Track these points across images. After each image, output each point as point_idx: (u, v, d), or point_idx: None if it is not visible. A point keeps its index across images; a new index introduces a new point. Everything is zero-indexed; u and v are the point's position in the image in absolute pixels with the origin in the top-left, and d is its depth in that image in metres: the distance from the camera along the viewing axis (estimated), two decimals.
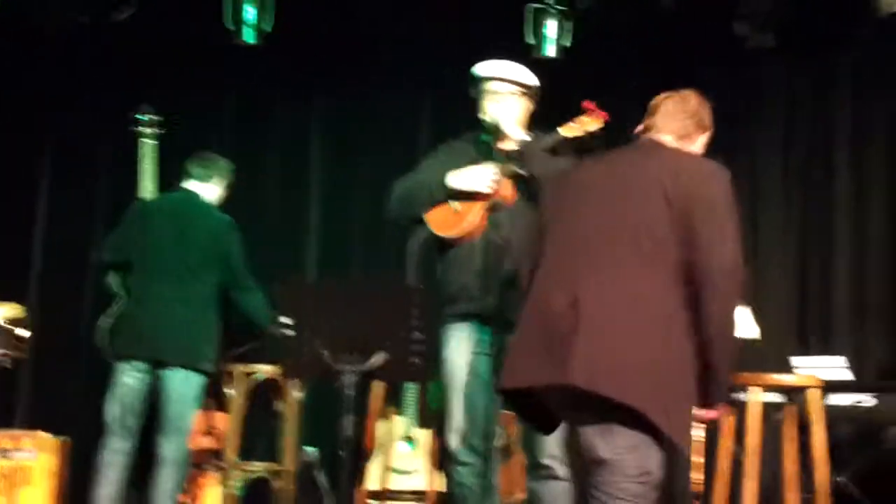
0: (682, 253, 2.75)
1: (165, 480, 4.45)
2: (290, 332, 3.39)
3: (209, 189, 4.69)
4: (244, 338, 4.90)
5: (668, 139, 2.99)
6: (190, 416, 4.55)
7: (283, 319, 4.19)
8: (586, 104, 3.61)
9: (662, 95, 3.05)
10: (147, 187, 5.02)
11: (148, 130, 5.02)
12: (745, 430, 4.16)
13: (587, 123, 3.61)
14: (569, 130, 3.62)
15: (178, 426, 4.49)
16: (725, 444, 4.27)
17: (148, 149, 4.99)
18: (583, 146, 3.70)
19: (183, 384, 4.47)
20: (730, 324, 2.79)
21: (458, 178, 3.65)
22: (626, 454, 2.74)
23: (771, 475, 4.74)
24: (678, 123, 2.99)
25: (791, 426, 4.28)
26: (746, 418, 4.16)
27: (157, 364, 4.50)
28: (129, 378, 4.51)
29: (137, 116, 5.07)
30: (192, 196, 4.65)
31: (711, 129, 3.06)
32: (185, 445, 4.52)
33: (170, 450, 4.46)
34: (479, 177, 3.62)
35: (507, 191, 3.61)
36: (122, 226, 4.70)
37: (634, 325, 2.73)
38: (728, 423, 4.25)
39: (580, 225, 2.90)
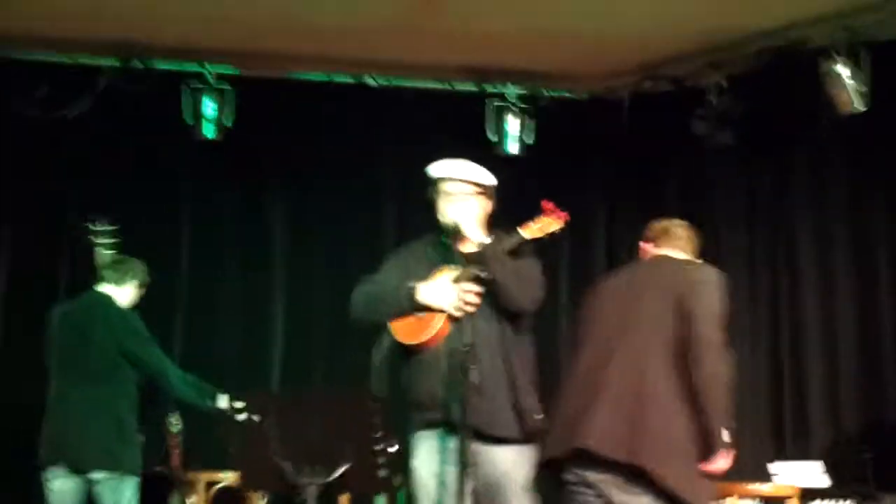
0: (681, 331, 3.33)
1: None
2: (242, 417, 3.44)
3: (123, 292, 4.76)
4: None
5: (681, 255, 3.64)
6: None
7: (236, 404, 4.17)
8: (545, 204, 3.60)
9: (668, 222, 3.69)
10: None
11: (103, 241, 5.00)
12: None
13: (547, 224, 3.59)
14: (529, 232, 3.61)
15: None
16: None
17: (103, 258, 4.95)
18: (543, 247, 3.70)
19: (112, 493, 4.44)
20: (720, 383, 3.31)
21: (428, 294, 3.60)
22: None
23: None
24: (691, 245, 3.69)
25: None
26: None
27: (80, 471, 4.48)
28: (59, 483, 4.51)
29: (90, 227, 5.04)
30: (98, 299, 4.71)
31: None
32: None
33: None
34: (446, 295, 3.57)
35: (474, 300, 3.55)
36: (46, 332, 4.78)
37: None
38: None
39: (606, 321, 3.53)
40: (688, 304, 3.33)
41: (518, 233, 3.63)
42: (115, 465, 4.45)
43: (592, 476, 3.32)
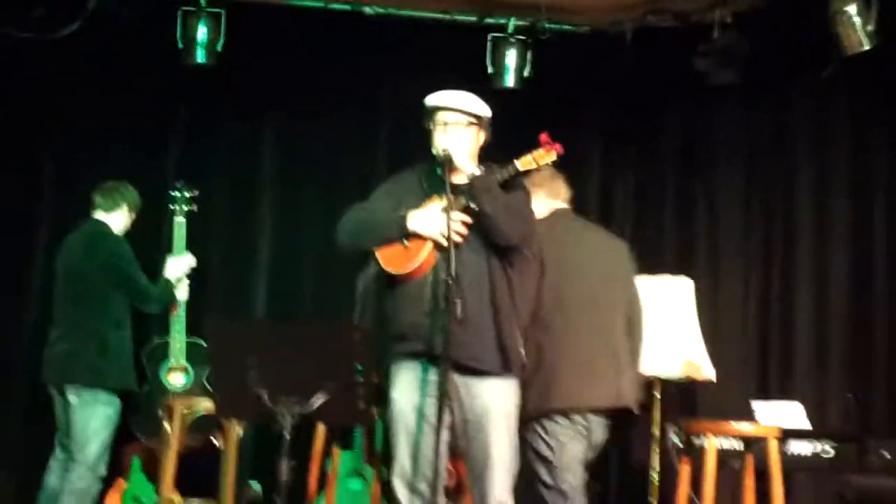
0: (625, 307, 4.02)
1: None
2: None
3: (115, 218, 4.91)
4: None
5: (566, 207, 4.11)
6: (93, 445, 4.62)
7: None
8: (541, 136, 3.57)
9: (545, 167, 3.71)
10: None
11: (181, 207, 5.26)
12: (703, 478, 4.04)
13: (541, 157, 3.58)
14: (523, 163, 3.59)
15: (79, 456, 4.61)
16: (683, 490, 4.16)
17: (179, 225, 5.23)
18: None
19: (83, 409, 4.62)
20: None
21: (418, 221, 3.56)
22: None
23: None
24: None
25: (749, 475, 4.18)
26: (704, 466, 4.04)
27: (60, 388, 4.72)
28: (56, 402, 4.77)
29: (172, 192, 5.27)
30: (90, 227, 4.88)
31: None
32: (87, 476, 4.62)
33: (69, 479, 4.62)
34: (435, 223, 3.53)
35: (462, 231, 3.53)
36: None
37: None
38: (686, 470, 4.15)
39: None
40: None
41: (515, 164, 3.61)
42: (97, 381, 4.62)
43: (594, 419, 3.84)
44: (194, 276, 5.26)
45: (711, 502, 4.08)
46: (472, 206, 3.55)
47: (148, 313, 4.97)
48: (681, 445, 4.43)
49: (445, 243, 3.46)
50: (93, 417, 4.62)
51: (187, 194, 5.27)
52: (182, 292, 5.12)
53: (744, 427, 4.04)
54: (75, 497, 4.62)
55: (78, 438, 4.62)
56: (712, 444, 4.06)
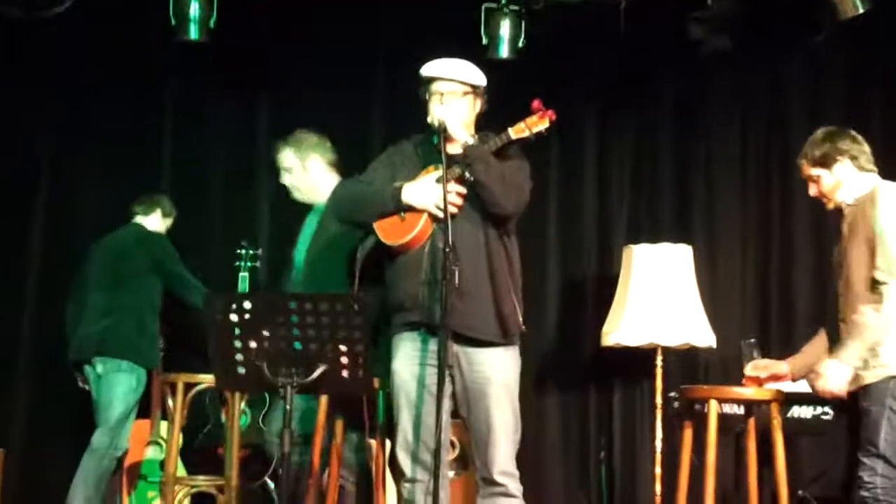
0: None
1: (81, 466, 4.94)
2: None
3: (151, 220, 5.39)
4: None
5: None
6: (116, 409, 5.00)
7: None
8: (533, 103, 3.56)
9: None
10: None
11: (245, 263, 5.59)
12: (705, 443, 4.06)
13: (535, 124, 3.56)
14: (516, 131, 3.57)
15: (101, 419, 5.02)
16: (686, 455, 4.18)
17: (243, 279, 5.56)
18: (530, 146, 3.67)
19: (109, 376, 5.01)
20: None
21: (412, 193, 3.56)
22: None
23: (734, 485, 4.65)
24: None
25: (751, 439, 4.20)
26: (706, 431, 4.06)
27: (91, 361, 5.09)
28: (90, 379, 5.13)
29: (239, 250, 5.57)
30: (132, 226, 5.35)
31: None
32: (105, 438, 4.98)
33: (91, 442, 5.00)
34: (430, 194, 3.53)
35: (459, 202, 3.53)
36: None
37: None
38: (688, 436, 4.17)
39: None
40: None
41: (508, 133, 3.59)
42: (131, 355, 5.03)
43: None
44: (192, 249, 5.48)
45: (713, 467, 4.09)
46: (468, 175, 3.54)
47: (192, 308, 5.14)
48: (682, 412, 4.44)
49: (441, 214, 3.46)
50: (118, 383, 5.00)
51: (252, 251, 5.60)
52: None
53: (746, 392, 4.03)
54: (94, 458, 4.94)
55: (102, 402, 5.01)
56: (713, 409, 4.05)
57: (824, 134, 3.89)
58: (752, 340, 4.19)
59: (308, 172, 4.46)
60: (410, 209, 3.57)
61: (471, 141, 3.58)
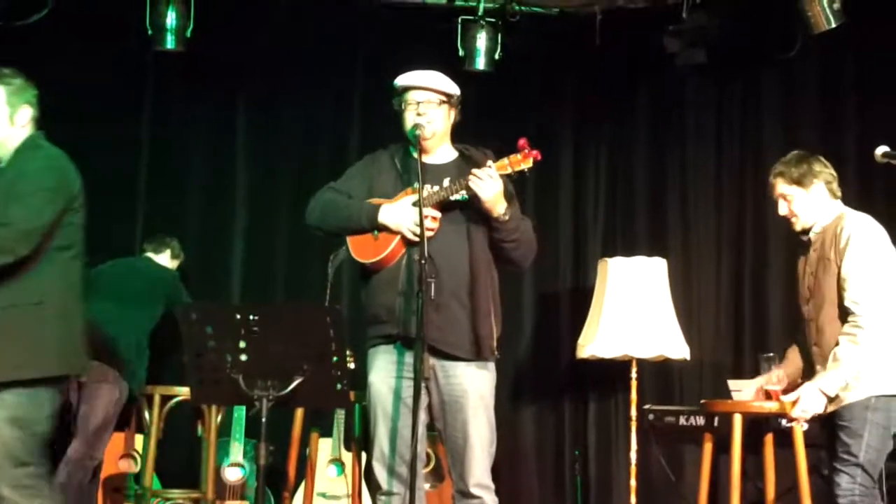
0: None
1: (57, 475, 4.71)
2: None
3: (161, 259, 5.44)
4: None
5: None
6: (96, 418, 4.92)
7: None
8: (520, 142, 3.53)
9: None
10: None
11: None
12: (730, 457, 4.19)
13: (518, 162, 3.53)
14: (500, 169, 3.53)
15: (80, 429, 4.96)
16: (706, 468, 4.35)
17: None
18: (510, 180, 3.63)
19: (92, 387, 4.91)
20: None
21: (388, 215, 3.56)
22: None
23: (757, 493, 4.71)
24: None
25: (769, 451, 4.39)
26: (731, 445, 4.16)
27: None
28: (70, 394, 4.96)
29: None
30: (145, 259, 5.44)
31: None
32: (82, 448, 4.92)
33: (67, 452, 4.94)
34: (406, 218, 3.53)
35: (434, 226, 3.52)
36: None
37: None
38: (707, 449, 4.34)
39: None
40: None
41: (490, 168, 3.54)
42: (125, 374, 4.97)
43: None
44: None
45: (739, 480, 4.17)
46: (454, 197, 3.54)
47: None
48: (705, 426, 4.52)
49: (415, 239, 3.46)
50: (100, 396, 4.93)
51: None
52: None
53: (769, 405, 4.07)
54: (69, 466, 4.88)
55: (83, 412, 4.95)
56: (738, 423, 4.11)
57: (799, 155, 3.98)
58: (771, 355, 4.23)
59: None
60: (385, 229, 3.57)
61: (504, 216, 3.53)
